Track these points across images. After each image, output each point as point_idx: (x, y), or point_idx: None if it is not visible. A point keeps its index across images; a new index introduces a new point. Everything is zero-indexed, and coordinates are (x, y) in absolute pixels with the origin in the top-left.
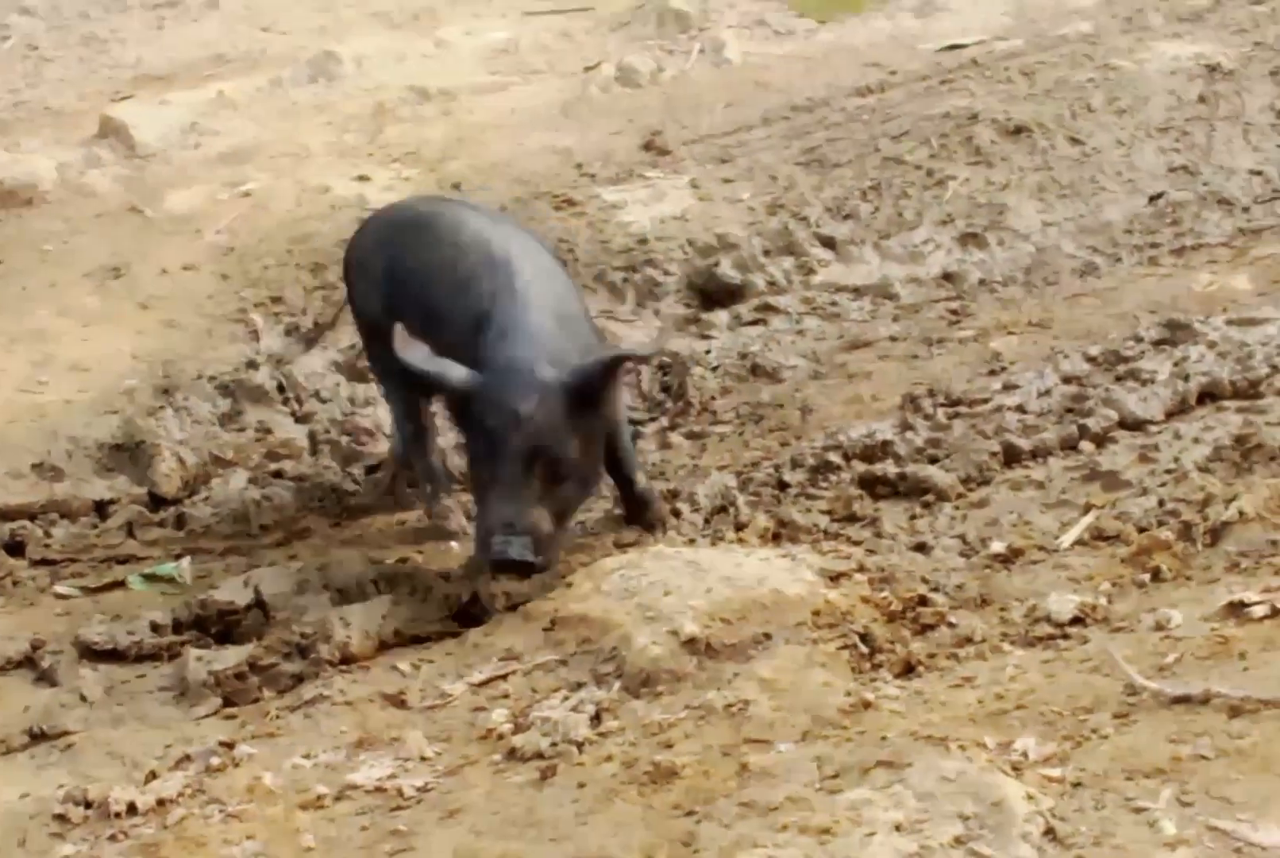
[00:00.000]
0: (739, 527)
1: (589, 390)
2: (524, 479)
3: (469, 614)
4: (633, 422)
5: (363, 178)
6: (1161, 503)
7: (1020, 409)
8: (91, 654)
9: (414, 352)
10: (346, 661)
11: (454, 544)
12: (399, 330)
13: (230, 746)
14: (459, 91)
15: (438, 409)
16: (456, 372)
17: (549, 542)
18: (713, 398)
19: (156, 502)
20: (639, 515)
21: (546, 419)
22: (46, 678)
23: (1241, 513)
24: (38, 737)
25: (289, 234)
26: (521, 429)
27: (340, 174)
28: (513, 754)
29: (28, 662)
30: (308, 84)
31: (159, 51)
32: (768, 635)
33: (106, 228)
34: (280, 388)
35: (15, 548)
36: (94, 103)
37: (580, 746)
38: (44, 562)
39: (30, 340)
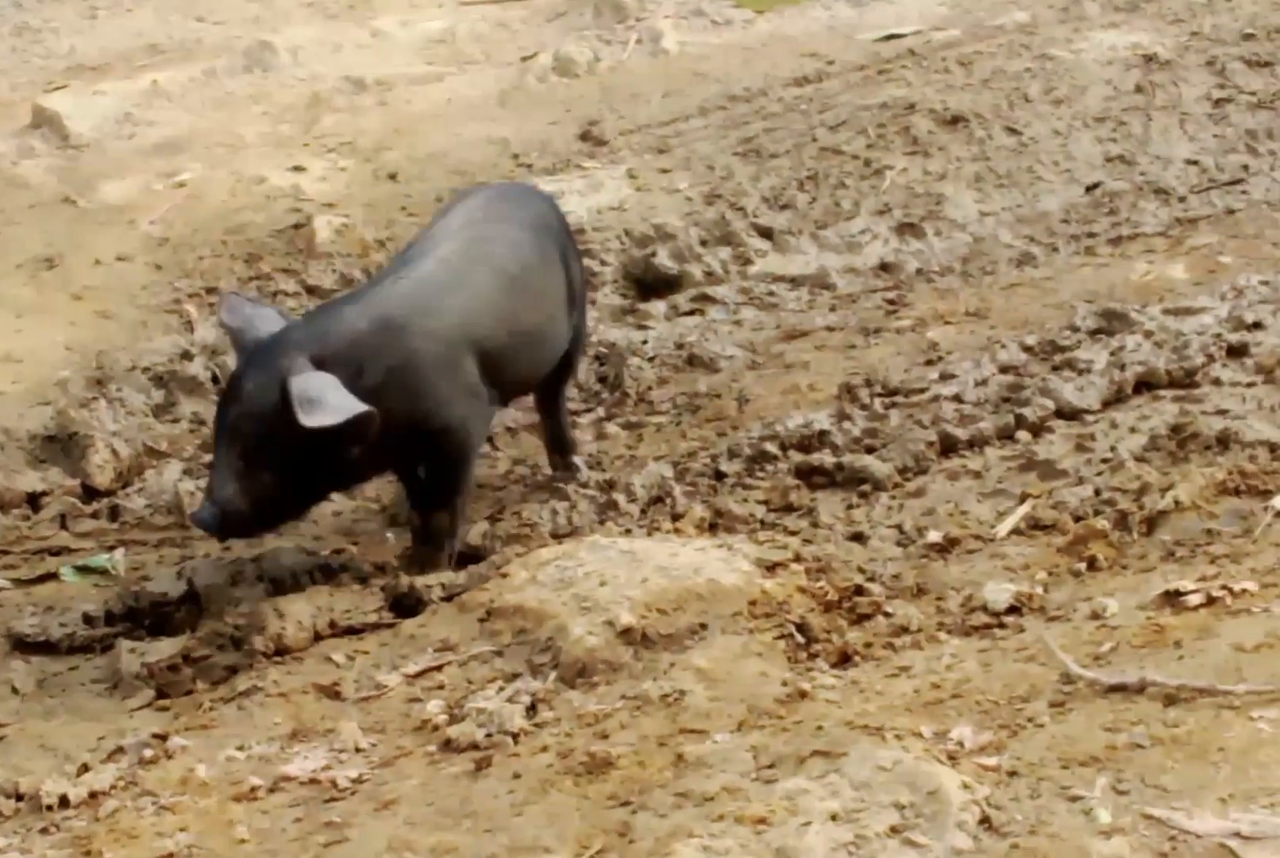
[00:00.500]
0: (675, 517)
1: (288, 413)
2: (226, 450)
3: (404, 605)
4: (571, 412)
5: (298, 168)
6: (1098, 492)
7: (957, 399)
8: (23, 646)
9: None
10: (281, 652)
11: (389, 535)
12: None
13: (163, 737)
14: (395, 82)
15: None
16: (250, 332)
17: (235, 517)
18: (649, 388)
19: (90, 493)
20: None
21: (254, 406)
22: None
23: (1177, 502)
24: None
25: (224, 225)
26: (231, 404)
27: (276, 164)
28: (448, 745)
29: None
30: (243, 74)
31: (92, 41)
32: (704, 626)
33: (40, 218)
34: (215, 379)
35: None
36: (26, 93)
37: (515, 736)
38: None
39: None
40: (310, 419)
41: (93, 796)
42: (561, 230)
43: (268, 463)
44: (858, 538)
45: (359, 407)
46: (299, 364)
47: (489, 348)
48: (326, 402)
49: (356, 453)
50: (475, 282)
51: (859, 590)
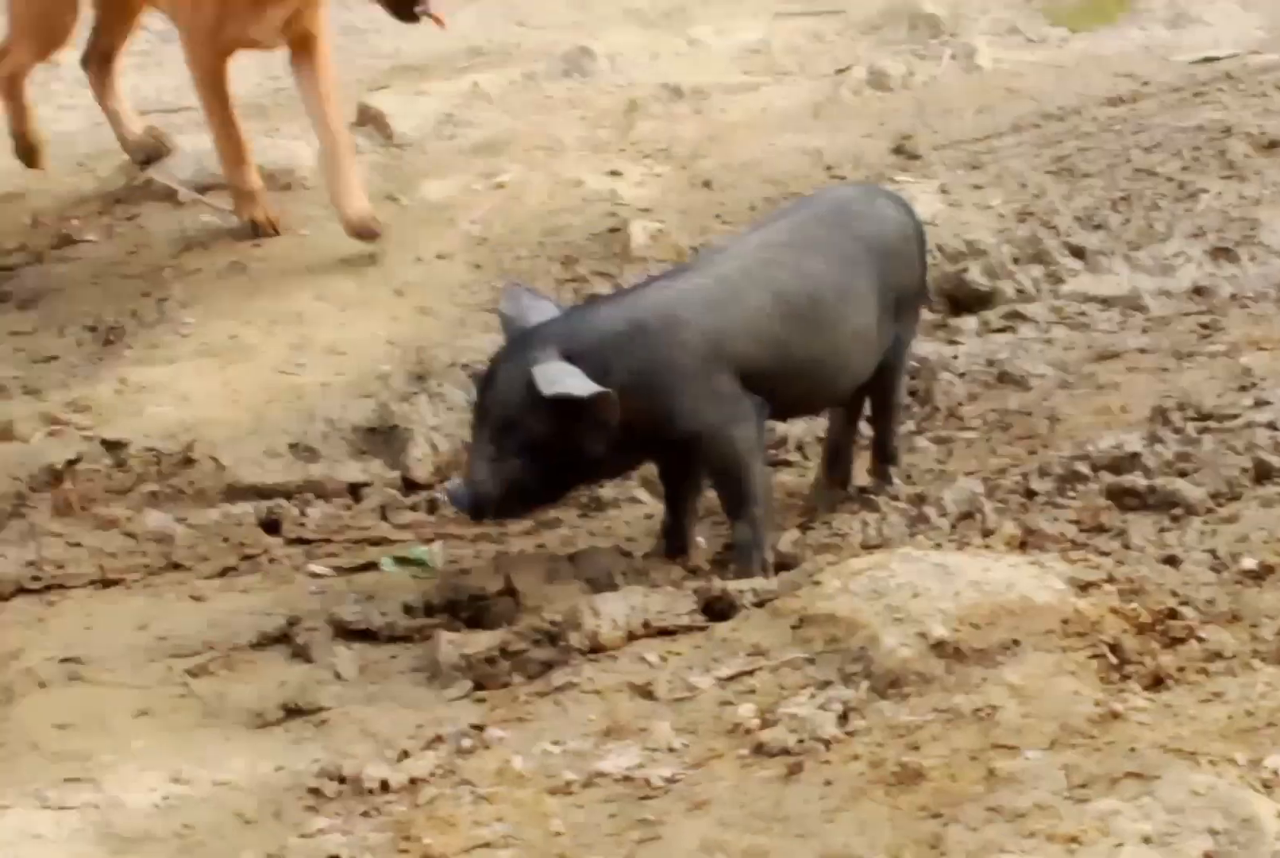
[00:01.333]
0: (986, 533)
1: (533, 399)
2: (480, 434)
3: (716, 609)
4: None
5: (614, 173)
6: None
7: (1271, 426)
8: (346, 633)
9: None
10: (595, 649)
11: (700, 540)
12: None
13: (480, 728)
14: (711, 90)
15: None
16: (519, 322)
17: (486, 499)
18: (960, 404)
19: (409, 486)
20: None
21: (504, 392)
22: (302, 655)
23: None
24: (293, 712)
25: (542, 226)
26: (485, 391)
27: (592, 168)
28: (759, 749)
29: (284, 638)
30: (562, 78)
31: (416, 43)
32: (1016, 642)
33: None
34: None
35: (271, 526)
36: (351, 92)
37: (827, 743)
38: (299, 540)
39: (289, 322)
40: (549, 389)
41: (412, 782)
42: (901, 239)
43: (517, 448)
44: (1170, 561)
45: (596, 388)
46: (547, 354)
47: (751, 370)
48: (566, 383)
49: (602, 445)
50: (745, 303)
51: (1172, 614)
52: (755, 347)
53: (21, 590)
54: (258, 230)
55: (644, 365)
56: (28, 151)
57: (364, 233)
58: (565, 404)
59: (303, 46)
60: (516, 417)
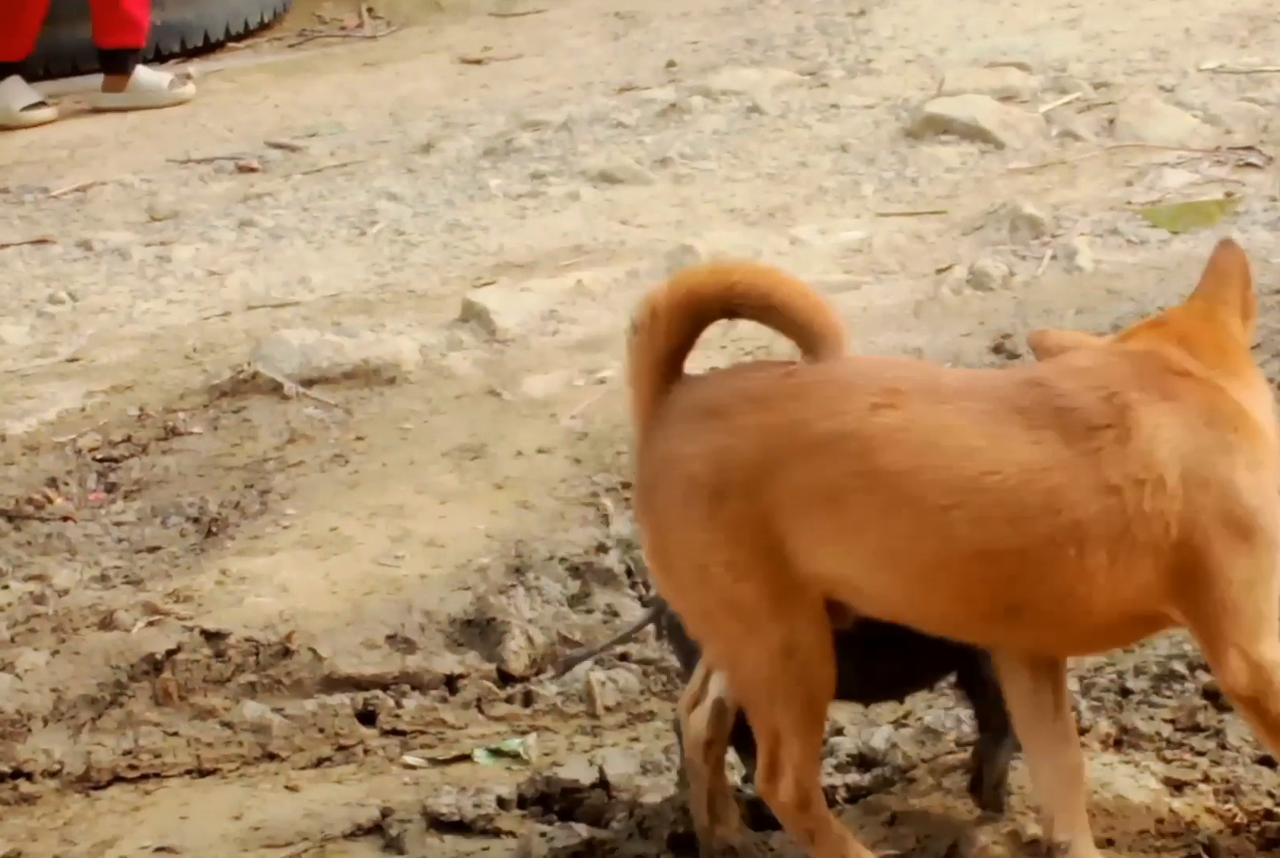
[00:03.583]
0: (1082, 731)
1: None
2: None
3: None
4: None
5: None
6: None
7: None
8: (438, 825)
9: None
10: (688, 843)
11: None
12: None
13: None
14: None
15: None
16: None
17: None
18: None
19: (504, 678)
20: None
21: None
22: (394, 846)
23: None
24: None
25: None
26: None
27: (693, 366)
28: None
29: (377, 829)
30: (664, 276)
31: (520, 240)
32: (1111, 841)
33: (465, 409)
34: (629, 572)
35: (367, 717)
36: (456, 287)
37: None
38: (394, 732)
39: (389, 515)
40: None
41: None
42: None
43: None
44: (1266, 761)
45: None
46: None
47: None
48: None
49: None
50: None
51: (1269, 815)
52: None
53: (118, 779)
54: None
55: None
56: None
57: None
58: None
59: None
60: None
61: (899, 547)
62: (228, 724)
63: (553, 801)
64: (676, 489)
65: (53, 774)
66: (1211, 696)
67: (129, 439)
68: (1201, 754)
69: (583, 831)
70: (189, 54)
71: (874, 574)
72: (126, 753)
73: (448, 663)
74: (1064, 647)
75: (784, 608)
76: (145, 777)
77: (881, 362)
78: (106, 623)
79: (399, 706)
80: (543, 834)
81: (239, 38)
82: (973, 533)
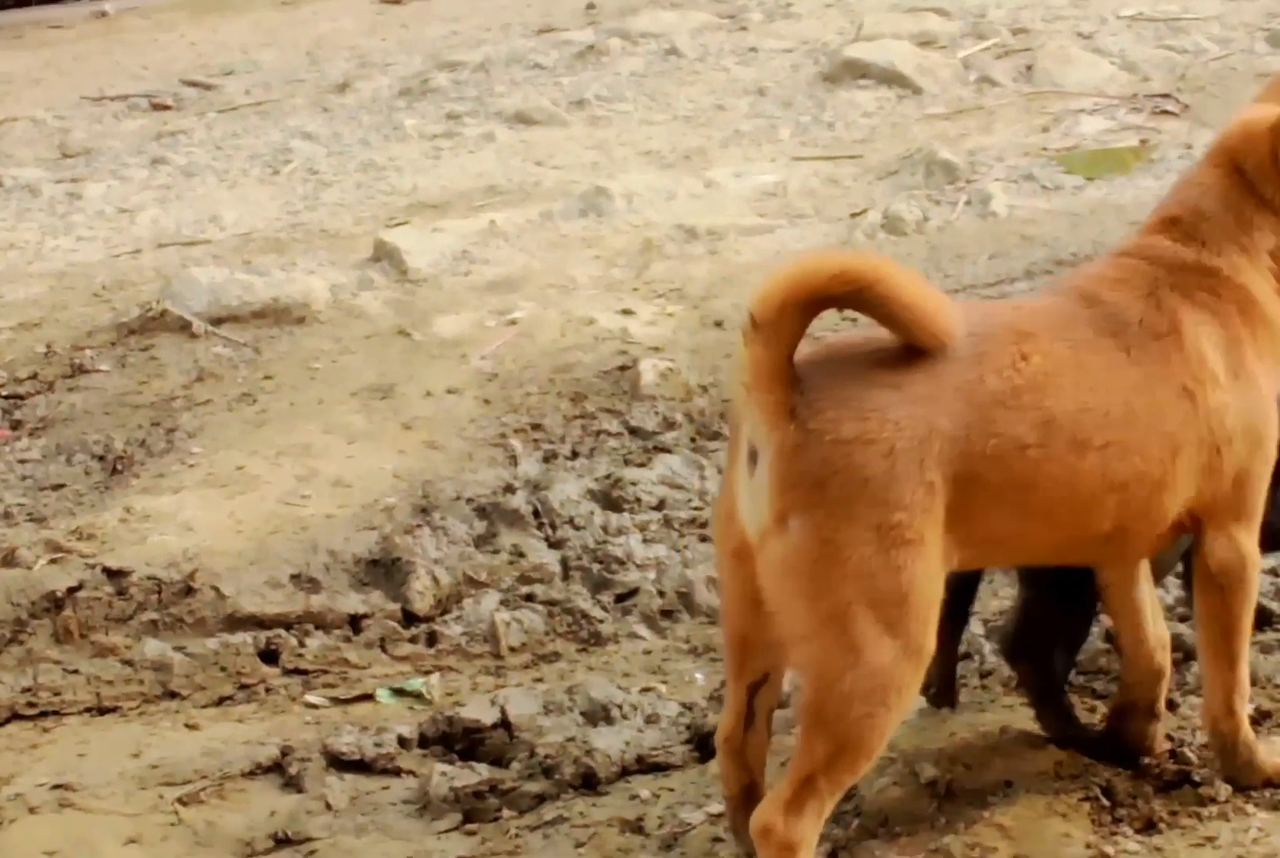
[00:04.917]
0: (982, 675)
1: None
2: None
3: (708, 745)
4: None
5: (627, 311)
6: None
7: (1274, 572)
8: (339, 764)
9: None
10: (588, 784)
11: (698, 675)
12: None
13: None
14: (726, 232)
15: None
16: None
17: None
18: None
19: (409, 618)
20: None
21: None
22: (294, 784)
23: None
24: (282, 842)
25: (552, 363)
26: None
27: (605, 307)
28: None
29: (276, 768)
30: (578, 218)
31: (434, 180)
32: (1009, 783)
33: (375, 349)
34: (535, 513)
35: (270, 656)
36: (369, 227)
37: None
38: (296, 671)
39: (296, 455)
40: None
41: None
42: None
43: None
44: (1168, 705)
45: None
46: None
47: None
48: None
49: None
50: None
51: (1172, 756)
52: None
53: (16, 716)
54: None
55: None
56: None
57: None
58: None
59: None
60: None
61: (1060, 495)
62: (128, 662)
63: (454, 740)
64: (865, 472)
65: None
66: (1113, 639)
67: (35, 376)
68: (1102, 697)
69: (483, 770)
70: None
71: (1028, 523)
72: (26, 690)
73: (352, 603)
74: (1139, 555)
75: (927, 598)
76: (44, 714)
77: (964, 306)
78: (8, 560)
79: (302, 645)
80: (443, 774)
81: None
82: (1119, 466)
